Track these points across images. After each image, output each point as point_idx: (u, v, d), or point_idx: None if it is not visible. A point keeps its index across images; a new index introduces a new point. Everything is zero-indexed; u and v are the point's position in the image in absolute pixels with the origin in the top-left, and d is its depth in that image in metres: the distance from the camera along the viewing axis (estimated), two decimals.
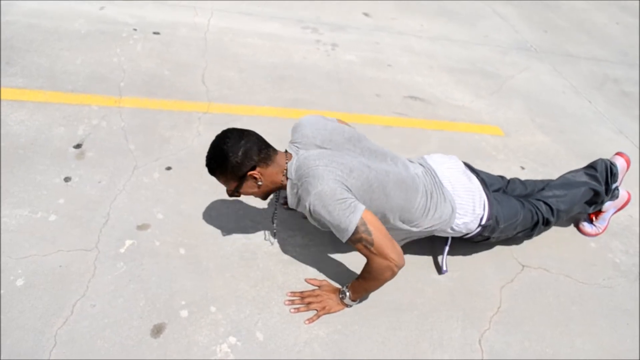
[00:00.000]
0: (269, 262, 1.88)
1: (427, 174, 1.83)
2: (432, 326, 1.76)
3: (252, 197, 1.82)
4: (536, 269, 2.08)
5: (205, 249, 1.88)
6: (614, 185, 2.16)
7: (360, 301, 1.77)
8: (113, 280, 1.70)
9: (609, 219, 2.31)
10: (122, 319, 1.59)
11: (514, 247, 2.16)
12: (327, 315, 1.72)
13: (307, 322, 1.68)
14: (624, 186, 2.32)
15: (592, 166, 2.15)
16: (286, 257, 1.92)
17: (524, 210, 1.94)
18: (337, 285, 1.83)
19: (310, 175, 1.52)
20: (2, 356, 1.44)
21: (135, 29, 3.27)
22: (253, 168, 1.58)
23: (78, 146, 2.24)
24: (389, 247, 1.52)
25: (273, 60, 3.29)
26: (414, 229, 1.77)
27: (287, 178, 1.63)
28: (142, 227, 1.91)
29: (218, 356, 1.54)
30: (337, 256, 1.96)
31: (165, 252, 1.83)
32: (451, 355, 1.68)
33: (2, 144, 2.16)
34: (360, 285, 1.67)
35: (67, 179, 2.06)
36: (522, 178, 2.18)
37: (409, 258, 2.00)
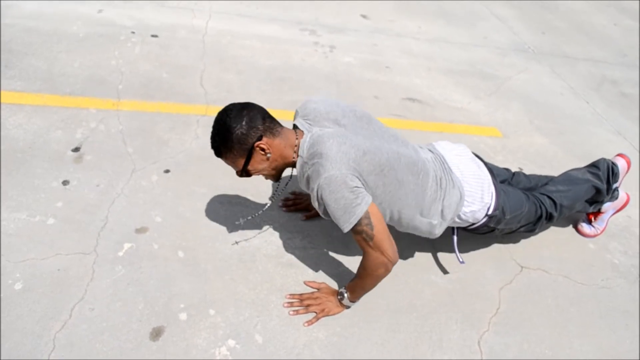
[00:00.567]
0: (268, 264, 1.88)
1: (437, 159, 1.79)
2: (431, 328, 1.76)
3: (258, 179, 1.72)
4: (535, 270, 2.08)
5: (203, 251, 1.88)
6: (614, 185, 2.17)
7: (359, 303, 1.77)
8: (112, 284, 1.69)
9: (608, 220, 2.31)
10: (120, 322, 1.58)
11: (512, 248, 2.16)
12: (327, 317, 1.72)
13: (306, 324, 1.68)
14: (623, 187, 2.32)
15: (594, 165, 2.15)
16: (285, 259, 1.92)
17: (528, 202, 1.93)
18: (336, 288, 1.83)
19: (323, 156, 1.48)
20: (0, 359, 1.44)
21: (133, 32, 3.28)
22: (259, 138, 1.53)
23: (76, 149, 2.24)
24: (387, 242, 1.52)
25: (271, 62, 3.30)
26: (434, 221, 1.72)
27: (297, 155, 1.58)
28: (140, 230, 1.91)
29: (217, 359, 1.54)
30: (336, 258, 1.96)
31: (163, 255, 1.83)
32: (450, 356, 1.68)
33: (0, 147, 2.16)
34: (357, 284, 1.67)
35: (65, 183, 2.06)
36: None
37: (408, 259, 2.01)
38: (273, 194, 2.10)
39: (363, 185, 1.51)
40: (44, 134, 2.29)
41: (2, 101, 2.44)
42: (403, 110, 3.08)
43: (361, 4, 4.54)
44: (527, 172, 2.68)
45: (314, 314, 1.71)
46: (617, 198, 2.22)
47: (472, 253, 2.09)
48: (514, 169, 2.69)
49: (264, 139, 1.54)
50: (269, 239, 1.99)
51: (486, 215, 1.80)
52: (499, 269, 2.05)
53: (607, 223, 2.32)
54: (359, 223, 1.48)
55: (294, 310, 1.72)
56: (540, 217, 1.97)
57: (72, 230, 1.86)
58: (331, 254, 1.98)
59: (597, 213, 2.28)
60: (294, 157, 1.60)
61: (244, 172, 1.62)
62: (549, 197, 1.99)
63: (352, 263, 1.94)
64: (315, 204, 1.54)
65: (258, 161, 1.58)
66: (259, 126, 1.53)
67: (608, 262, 2.21)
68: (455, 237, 1.91)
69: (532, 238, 2.23)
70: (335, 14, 4.23)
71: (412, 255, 2.03)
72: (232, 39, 3.47)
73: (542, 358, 1.73)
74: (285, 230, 2.04)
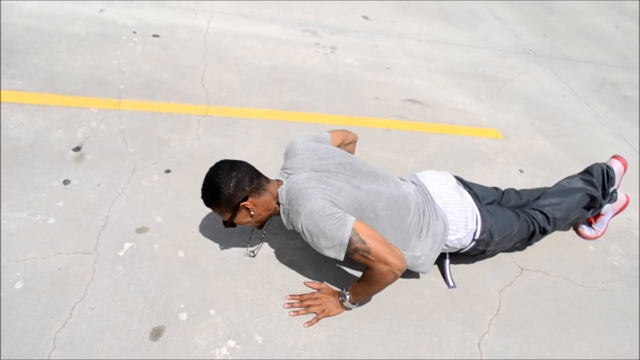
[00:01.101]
0: (268, 265, 1.88)
1: (419, 192, 1.85)
2: (431, 329, 1.76)
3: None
4: (535, 272, 2.08)
5: (204, 251, 1.88)
6: (611, 189, 2.17)
7: (360, 304, 1.77)
8: (112, 283, 1.70)
9: (608, 222, 2.31)
10: (121, 322, 1.59)
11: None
12: (327, 318, 1.72)
13: (306, 325, 1.68)
14: (623, 189, 2.32)
15: (588, 171, 2.15)
16: (285, 260, 1.92)
17: (519, 221, 1.95)
18: (336, 288, 1.82)
19: (299, 197, 1.57)
20: (1, 359, 1.44)
21: (134, 32, 3.28)
22: (245, 198, 1.63)
23: (77, 149, 2.24)
24: (387, 251, 1.52)
25: (272, 62, 3.30)
26: (417, 254, 1.75)
27: (279, 204, 1.67)
28: (141, 230, 1.91)
29: (217, 359, 1.54)
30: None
31: (164, 255, 1.83)
32: (450, 358, 1.68)
33: (1, 146, 2.16)
34: (361, 288, 1.67)
35: (66, 182, 2.06)
36: (521, 181, 2.19)
37: None
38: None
39: (342, 211, 1.56)
40: (45, 134, 2.29)
41: (3, 100, 2.44)
42: (404, 112, 3.08)
43: (362, 5, 4.54)
44: (527, 174, 2.69)
45: (314, 315, 1.71)
46: (616, 200, 2.22)
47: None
48: (514, 171, 2.70)
49: (250, 200, 1.64)
50: (269, 239, 1.99)
51: (473, 239, 1.84)
52: (499, 271, 2.05)
53: (607, 225, 2.32)
54: (350, 243, 1.51)
55: (294, 311, 1.72)
56: (534, 233, 1.99)
57: (73, 230, 1.86)
58: None
59: (597, 215, 2.28)
60: (276, 208, 1.69)
61: (230, 225, 1.73)
62: (541, 212, 2.00)
63: (352, 264, 1.94)
64: (306, 240, 1.60)
65: (243, 216, 1.69)
66: (246, 187, 1.62)
67: (608, 264, 2.21)
68: (447, 261, 1.96)
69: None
70: (337, 14, 4.24)
71: None
72: (233, 40, 3.47)
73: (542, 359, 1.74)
74: (286, 230, 2.04)
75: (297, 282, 1.84)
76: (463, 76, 3.69)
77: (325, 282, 1.86)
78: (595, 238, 2.32)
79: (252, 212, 1.66)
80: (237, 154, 2.30)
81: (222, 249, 1.91)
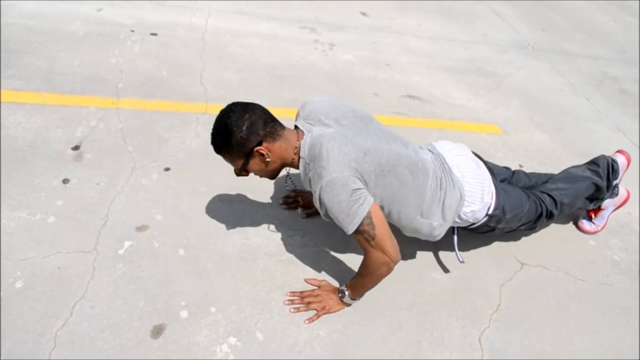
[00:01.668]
0: (269, 262, 1.88)
1: (436, 160, 1.79)
2: (432, 325, 1.76)
3: (259, 178, 1.75)
4: (535, 267, 2.08)
5: (204, 249, 1.88)
6: (614, 182, 2.17)
7: (360, 300, 1.77)
8: (112, 282, 1.70)
9: (608, 216, 2.31)
10: (121, 320, 1.59)
11: (513, 245, 2.16)
12: (327, 315, 1.72)
13: (307, 321, 1.68)
14: (623, 184, 2.32)
15: (594, 162, 2.15)
16: (285, 257, 1.92)
17: (529, 201, 1.92)
18: (337, 285, 1.83)
19: (324, 158, 1.48)
20: (1, 358, 1.44)
21: (132, 30, 3.27)
22: (259, 143, 1.53)
23: (76, 148, 2.24)
24: (389, 241, 1.52)
25: (271, 60, 3.29)
26: (434, 223, 1.72)
27: (299, 157, 1.59)
28: (141, 228, 1.91)
29: (218, 356, 1.54)
30: (337, 256, 1.96)
31: (164, 253, 1.83)
32: (451, 353, 1.68)
33: (0, 146, 2.16)
34: (358, 282, 1.67)
35: (65, 181, 2.06)
36: None
37: (409, 258, 2.01)
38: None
39: (364, 185, 1.52)
40: (44, 133, 2.29)
41: (1, 100, 2.43)
42: (403, 108, 3.08)
43: (361, 1, 4.53)
44: (527, 169, 2.69)
45: (315, 312, 1.71)
46: (617, 195, 2.22)
47: (472, 250, 2.09)
48: (514, 166, 2.70)
49: (264, 144, 1.54)
50: (269, 236, 1.99)
51: (486, 214, 1.80)
52: (499, 265, 2.06)
53: (607, 220, 2.32)
54: (361, 224, 1.48)
55: (294, 308, 1.72)
56: (541, 215, 1.97)
57: (73, 229, 1.86)
58: (332, 251, 1.98)
59: (598, 210, 2.28)
60: (293, 159, 1.60)
61: (242, 173, 1.64)
62: (549, 195, 1.99)
63: (352, 261, 1.94)
64: (317, 205, 1.54)
65: (256, 163, 1.59)
66: (260, 131, 1.52)
67: (608, 258, 2.21)
68: (455, 237, 1.91)
69: (533, 235, 2.23)
70: (335, 11, 4.23)
71: (413, 253, 2.03)
72: (232, 37, 3.46)
73: (542, 355, 1.74)
74: (286, 228, 2.04)
75: (298, 279, 1.84)
76: (462, 72, 3.68)
77: (325, 279, 1.86)
78: (595, 232, 2.32)
79: (267, 159, 1.56)
80: None
81: (222, 246, 1.91)
